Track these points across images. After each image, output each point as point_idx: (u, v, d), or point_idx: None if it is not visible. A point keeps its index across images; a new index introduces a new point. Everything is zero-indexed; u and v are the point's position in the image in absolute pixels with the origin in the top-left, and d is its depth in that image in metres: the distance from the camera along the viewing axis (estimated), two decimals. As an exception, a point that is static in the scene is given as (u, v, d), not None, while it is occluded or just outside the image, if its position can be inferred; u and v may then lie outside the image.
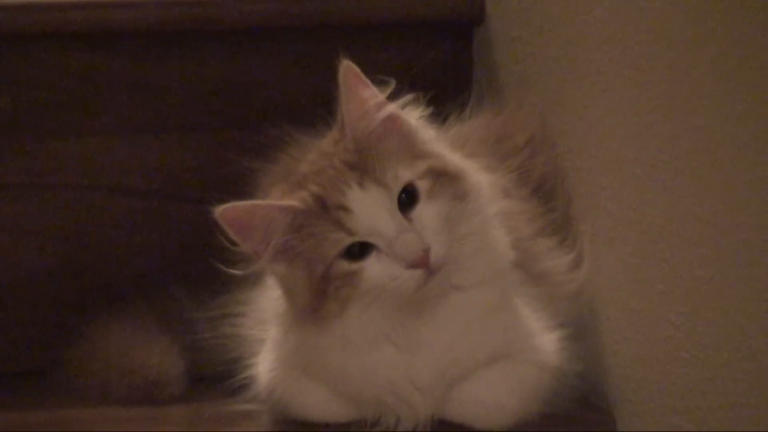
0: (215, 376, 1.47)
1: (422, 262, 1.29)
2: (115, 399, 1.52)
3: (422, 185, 1.32)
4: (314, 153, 1.37)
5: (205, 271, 1.46)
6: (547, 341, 1.39)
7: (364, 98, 1.32)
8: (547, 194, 1.50)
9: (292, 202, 1.31)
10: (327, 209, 1.31)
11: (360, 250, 1.30)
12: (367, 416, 1.37)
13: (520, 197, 1.46)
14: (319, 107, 1.41)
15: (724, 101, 1.20)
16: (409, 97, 1.36)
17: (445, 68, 1.74)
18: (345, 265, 1.31)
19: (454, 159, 1.36)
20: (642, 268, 1.36)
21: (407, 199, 1.31)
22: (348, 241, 1.30)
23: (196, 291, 1.59)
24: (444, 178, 1.33)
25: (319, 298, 1.32)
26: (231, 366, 1.45)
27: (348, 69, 1.31)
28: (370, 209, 1.30)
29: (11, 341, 1.72)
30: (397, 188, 1.30)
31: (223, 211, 1.29)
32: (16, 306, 1.72)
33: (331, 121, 1.38)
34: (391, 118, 1.34)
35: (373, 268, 1.30)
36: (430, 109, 1.38)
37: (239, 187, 1.39)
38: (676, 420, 1.30)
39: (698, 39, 1.23)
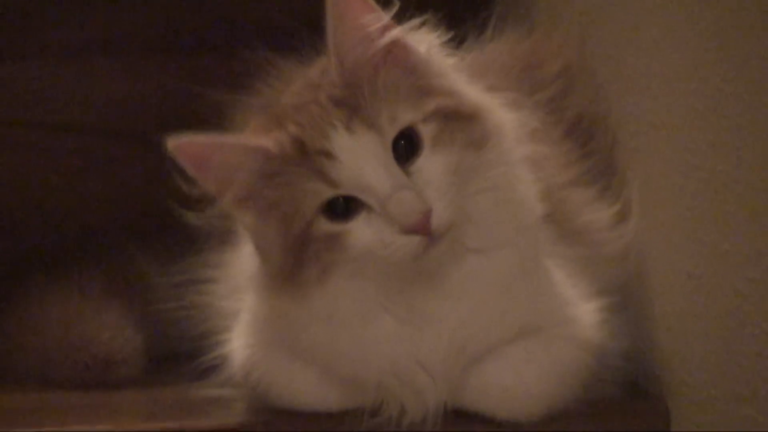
0: (179, 354, 1.37)
1: (421, 227, 1.15)
2: (57, 382, 1.42)
3: (427, 130, 1.18)
4: (298, 83, 1.24)
5: (167, 226, 1.35)
6: (584, 312, 1.26)
7: (361, 19, 1.19)
8: (585, 135, 1.38)
9: (263, 142, 1.19)
10: (306, 154, 1.18)
11: (346, 208, 1.18)
12: (365, 405, 1.23)
13: (552, 139, 1.33)
14: (304, 26, 1.27)
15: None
16: (420, 18, 1.24)
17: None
18: (327, 225, 1.18)
19: (472, 95, 1.23)
20: (703, 224, 1.24)
21: (407, 146, 1.18)
22: (329, 193, 1.17)
23: (156, 251, 1.50)
24: (456, 120, 1.20)
25: (295, 261, 1.20)
26: (198, 342, 1.32)
27: None
28: (358, 157, 1.17)
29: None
30: (392, 132, 1.18)
31: (179, 145, 1.17)
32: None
33: (320, 45, 1.23)
34: (395, 45, 1.20)
35: (360, 231, 1.18)
36: (446, 33, 1.27)
37: (206, 125, 1.23)
38: (743, 410, 1.18)
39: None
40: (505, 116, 1.24)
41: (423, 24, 1.23)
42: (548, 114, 1.36)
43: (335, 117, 1.18)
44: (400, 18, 1.21)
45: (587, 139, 1.39)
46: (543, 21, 1.57)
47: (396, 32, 1.20)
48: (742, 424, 1.19)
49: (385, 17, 1.20)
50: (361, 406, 1.23)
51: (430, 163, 1.18)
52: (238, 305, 1.31)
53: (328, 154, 1.17)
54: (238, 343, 1.29)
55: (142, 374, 1.44)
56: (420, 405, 1.22)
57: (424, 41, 1.23)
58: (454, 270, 1.21)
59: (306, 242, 1.19)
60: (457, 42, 1.32)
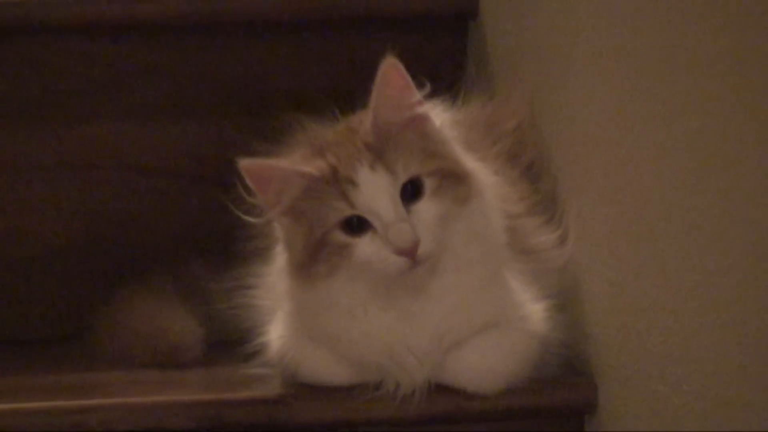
0: (230, 342, 1.48)
1: (409, 253, 1.29)
2: (139, 363, 1.52)
3: (429, 183, 1.32)
4: (342, 126, 1.37)
5: (222, 246, 1.53)
6: (534, 311, 1.39)
7: (400, 92, 1.32)
8: (534, 176, 1.50)
9: (309, 169, 1.32)
10: (337, 179, 1.31)
11: (358, 227, 1.31)
12: (369, 381, 1.37)
13: (510, 179, 1.45)
14: (324, 96, 1.42)
15: (702, 88, 1.19)
16: (441, 99, 1.39)
17: (442, 59, 1.74)
18: (341, 236, 1.31)
19: (465, 162, 1.36)
20: (621, 244, 1.36)
21: (413, 190, 1.31)
22: (348, 212, 1.30)
23: (213, 264, 1.60)
24: (450, 179, 1.33)
25: (311, 258, 1.33)
26: (245, 333, 1.45)
27: (391, 64, 1.30)
28: (374, 189, 1.30)
29: (43, 310, 1.73)
30: (403, 178, 1.31)
31: (247, 165, 1.31)
32: (48, 278, 1.73)
33: (336, 110, 1.38)
34: (420, 118, 1.34)
35: (365, 246, 1.31)
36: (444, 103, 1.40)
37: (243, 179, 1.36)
38: (653, 385, 1.30)
39: (685, 19, 1.21)
40: (487, 180, 1.37)
41: (441, 103, 1.40)
42: (507, 160, 1.48)
43: (364, 157, 1.31)
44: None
45: (536, 180, 1.50)
46: (501, 90, 1.62)
47: (423, 109, 1.34)
48: (652, 396, 1.30)
49: (418, 95, 1.34)
50: (367, 382, 1.37)
51: (426, 208, 1.31)
52: (274, 305, 1.42)
53: (353, 183, 1.30)
54: (275, 334, 1.42)
55: (203, 357, 1.52)
56: (410, 381, 1.35)
57: (439, 116, 1.39)
58: (435, 281, 1.33)
59: (322, 246, 1.32)
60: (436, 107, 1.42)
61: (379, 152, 1.31)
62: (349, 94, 1.38)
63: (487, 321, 1.36)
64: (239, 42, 1.74)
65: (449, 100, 1.47)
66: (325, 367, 1.38)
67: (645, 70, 1.28)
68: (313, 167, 1.32)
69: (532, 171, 1.50)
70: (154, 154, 1.74)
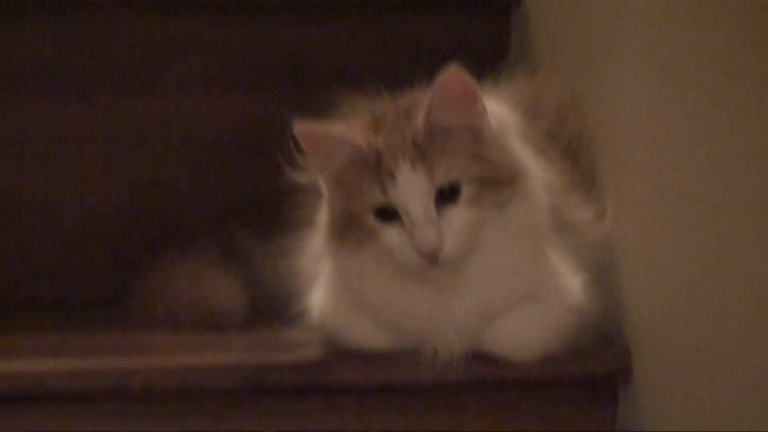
0: (274, 307, 1.48)
1: (429, 258, 1.30)
2: (183, 326, 1.53)
3: (467, 189, 1.31)
4: (402, 105, 1.36)
5: (266, 216, 1.53)
6: (572, 284, 1.39)
7: (460, 101, 1.31)
8: (574, 154, 1.49)
9: (359, 140, 1.32)
10: (380, 167, 1.31)
11: (390, 215, 1.31)
12: (409, 347, 1.37)
13: (551, 157, 1.43)
14: (367, 73, 1.43)
15: (749, 73, 1.18)
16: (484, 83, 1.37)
17: (487, 42, 1.75)
18: (371, 220, 1.32)
19: (519, 161, 1.34)
20: (659, 222, 1.37)
21: (450, 194, 1.31)
22: (382, 201, 1.31)
23: (257, 232, 1.60)
24: (493, 185, 1.32)
25: (343, 226, 1.34)
26: (287, 299, 1.45)
27: (454, 73, 1.29)
28: (410, 188, 1.30)
29: (92, 273, 1.75)
30: (442, 181, 1.30)
31: (302, 127, 1.32)
32: (97, 243, 1.76)
33: (380, 86, 1.39)
34: (477, 125, 1.32)
35: (391, 235, 1.31)
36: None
37: (296, 141, 1.38)
38: (684, 354, 1.31)
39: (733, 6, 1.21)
40: (535, 179, 1.35)
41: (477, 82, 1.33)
42: (548, 137, 1.47)
43: (408, 154, 1.31)
44: (437, 66, 1.30)
45: (576, 158, 1.50)
46: (544, 69, 1.64)
47: (482, 118, 1.32)
48: (682, 365, 1.32)
49: (479, 103, 1.32)
50: (406, 348, 1.37)
51: (459, 216, 1.31)
52: (316, 271, 1.43)
53: (393, 177, 1.30)
54: (316, 300, 1.42)
55: (245, 322, 1.54)
56: (448, 349, 1.35)
57: (496, 117, 1.35)
58: (473, 261, 1.32)
59: (354, 221, 1.33)
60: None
61: (423, 152, 1.31)
62: (393, 72, 1.39)
63: (525, 293, 1.37)
64: (286, 18, 1.75)
65: (493, 82, 1.47)
66: (365, 333, 1.39)
67: (692, 51, 1.28)
68: (363, 140, 1.32)
69: (573, 148, 1.50)
70: (202, 126, 1.76)
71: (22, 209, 1.74)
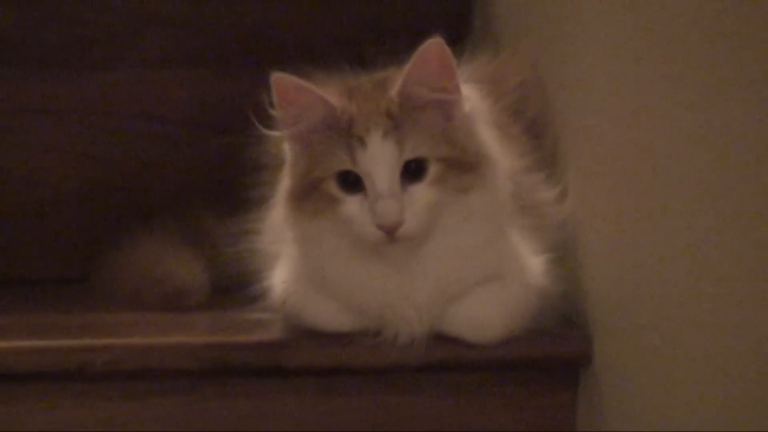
0: (234, 287, 1.46)
1: (387, 231, 1.29)
2: (146, 305, 1.52)
3: (434, 168, 1.30)
4: (378, 78, 1.35)
5: (227, 192, 1.51)
6: (533, 265, 1.38)
7: (437, 73, 1.30)
8: (536, 133, 1.48)
9: (333, 101, 1.31)
10: (350, 132, 1.30)
11: (353, 185, 1.30)
12: (369, 328, 1.36)
13: (512, 135, 1.43)
14: (334, 50, 1.42)
15: (710, 48, 1.17)
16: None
17: (447, 16, 1.74)
18: (333, 188, 1.31)
19: (486, 148, 1.34)
20: (619, 201, 1.35)
21: (415, 170, 1.30)
22: (348, 166, 1.30)
23: (219, 212, 1.59)
24: (457, 169, 1.31)
25: (304, 193, 1.33)
26: (249, 278, 1.44)
27: (436, 43, 1.28)
28: (379, 157, 1.29)
29: (53, 250, 1.75)
30: (410, 155, 1.30)
31: (279, 79, 1.31)
32: (58, 220, 1.75)
33: (344, 64, 1.37)
34: (450, 102, 1.32)
35: (352, 205, 1.31)
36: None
37: (261, 119, 1.37)
38: (647, 338, 1.29)
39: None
40: (501, 169, 1.35)
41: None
42: (509, 115, 1.46)
43: (380, 123, 1.30)
44: (408, 47, 1.30)
45: (538, 137, 1.48)
46: (506, 49, 1.63)
47: (457, 96, 1.32)
48: (646, 350, 1.30)
49: (456, 79, 1.31)
50: (367, 330, 1.36)
51: (422, 193, 1.30)
52: (277, 250, 1.41)
53: (363, 143, 1.29)
54: (277, 279, 1.41)
55: (207, 301, 1.54)
56: (409, 331, 1.35)
57: (470, 99, 1.35)
58: (432, 241, 1.32)
59: (315, 187, 1.32)
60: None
61: (396, 123, 1.30)
62: (357, 50, 1.38)
63: (486, 274, 1.36)
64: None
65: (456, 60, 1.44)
66: (326, 313, 1.38)
67: (654, 29, 1.27)
68: (338, 103, 1.31)
69: (535, 127, 1.48)
70: (165, 102, 1.75)
71: (-20, 184, 1.75)
